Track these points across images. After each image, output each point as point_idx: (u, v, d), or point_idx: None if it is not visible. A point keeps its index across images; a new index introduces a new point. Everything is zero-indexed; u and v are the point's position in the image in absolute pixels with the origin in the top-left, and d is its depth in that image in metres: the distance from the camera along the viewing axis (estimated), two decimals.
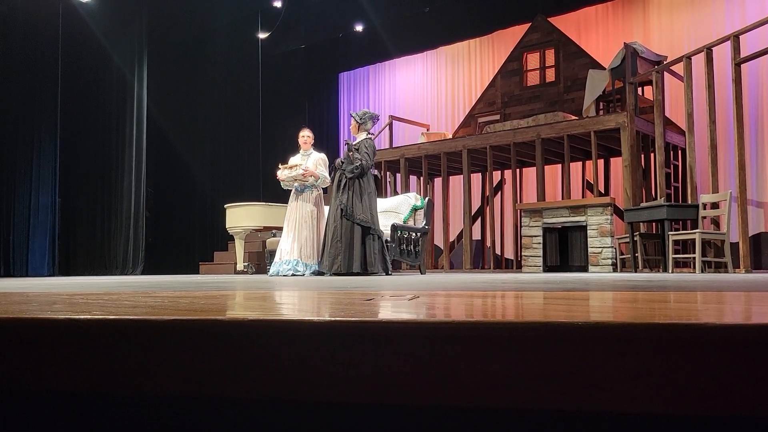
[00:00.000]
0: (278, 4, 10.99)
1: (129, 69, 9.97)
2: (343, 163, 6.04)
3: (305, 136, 6.44)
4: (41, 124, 8.96)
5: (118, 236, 9.82)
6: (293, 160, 6.43)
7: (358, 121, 6.16)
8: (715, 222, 6.83)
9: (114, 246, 9.81)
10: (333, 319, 0.80)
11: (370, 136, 6.24)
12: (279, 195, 7.42)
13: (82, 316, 0.88)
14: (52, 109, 9.04)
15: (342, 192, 5.90)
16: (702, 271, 6.26)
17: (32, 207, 8.81)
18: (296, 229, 6.18)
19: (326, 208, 6.35)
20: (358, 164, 5.88)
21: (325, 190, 6.57)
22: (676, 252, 6.92)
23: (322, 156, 6.41)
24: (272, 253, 6.84)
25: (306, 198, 6.27)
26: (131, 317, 0.87)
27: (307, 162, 6.31)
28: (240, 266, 8.84)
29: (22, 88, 8.78)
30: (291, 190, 6.38)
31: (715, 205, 6.65)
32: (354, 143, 6.14)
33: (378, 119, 6.59)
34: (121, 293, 1.81)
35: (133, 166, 9.89)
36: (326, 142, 11.40)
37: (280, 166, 6.34)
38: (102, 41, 9.67)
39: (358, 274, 5.68)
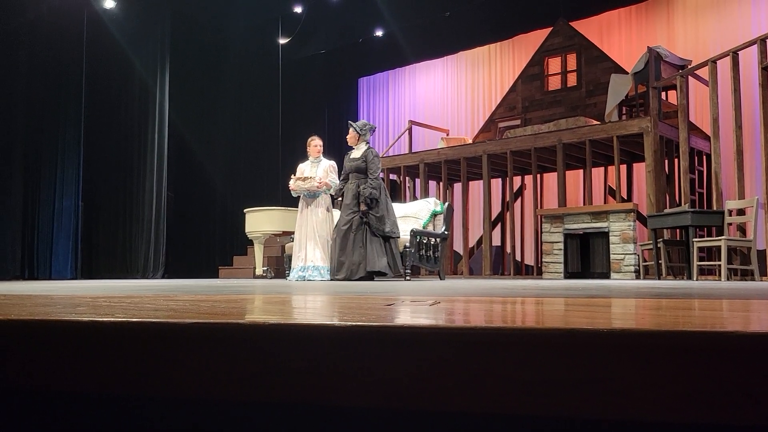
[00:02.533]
0: (299, 10, 11.08)
1: (151, 75, 10.12)
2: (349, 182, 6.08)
3: (317, 145, 6.51)
4: (65, 130, 9.12)
5: (139, 240, 9.95)
6: (302, 167, 6.51)
7: (359, 131, 6.25)
8: (741, 229, 6.71)
9: (135, 250, 9.93)
10: (354, 323, 0.80)
11: (370, 146, 6.29)
12: (298, 200, 7.47)
13: (106, 319, 0.89)
14: (76, 114, 9.20)
15: (361, 202, 5.93)
16: (727, 279, 6.15)
17: (56, 211, 8.96)
18: (314, 235, 6.22)
19: (335, 212, 6.41)
20: (375, 184, 5.93)
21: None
22: (700, 259, 6.81)
23: (332, 163, 6.47)
24: (291, 258, 6.88)
25: (317, 203, 6.33)
26: (153, 320, 0.88)
27: (317, 170, 6.38)
28: (259, 271, 8.89)
29: (47, 94, 8.96)
30: (299, 197, 6.43)
31: (741, 212, 6.53)
32: (359, 155, 6.14)
33: (375, 131, 6.68)
34: (143, 296, 1.82)
35: (155, 171, 10.02)
36: (346, 147, 11.41)
37: (292, 177, 6.41)
38: (125, 48, 9.83)
39: (383, 274, 5.78)
